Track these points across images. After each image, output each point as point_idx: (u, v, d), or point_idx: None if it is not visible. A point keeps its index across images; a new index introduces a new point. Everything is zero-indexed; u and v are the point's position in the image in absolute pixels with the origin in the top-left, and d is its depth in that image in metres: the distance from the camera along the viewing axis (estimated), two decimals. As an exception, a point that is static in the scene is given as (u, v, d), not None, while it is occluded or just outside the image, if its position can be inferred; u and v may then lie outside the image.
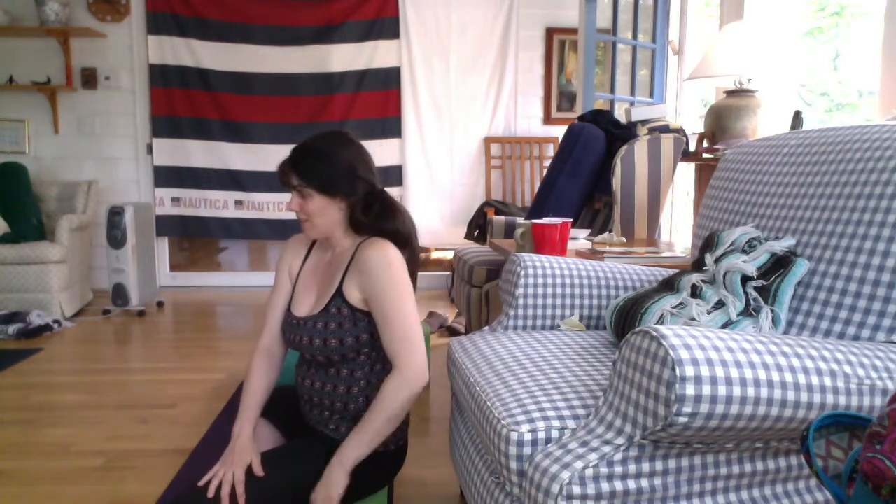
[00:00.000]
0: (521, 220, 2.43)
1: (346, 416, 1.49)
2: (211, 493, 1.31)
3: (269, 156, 4.62)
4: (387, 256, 1.42)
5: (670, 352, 0.85)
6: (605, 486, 0.91)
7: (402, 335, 1.39)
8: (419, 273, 1.61)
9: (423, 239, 4.83)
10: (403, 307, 1.41)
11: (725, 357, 0.86)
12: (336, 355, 1.46)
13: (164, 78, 4.53)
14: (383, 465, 1.53)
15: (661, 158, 2.84)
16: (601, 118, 3.13)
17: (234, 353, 3.20)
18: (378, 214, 1.49)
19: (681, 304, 1.33)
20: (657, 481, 0.93)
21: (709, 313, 1.27)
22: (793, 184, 1.38)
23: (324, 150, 1.48)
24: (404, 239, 1.50)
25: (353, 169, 1.47)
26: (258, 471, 1.37)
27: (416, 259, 1.53)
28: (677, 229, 4.16)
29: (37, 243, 3.77)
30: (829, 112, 4.56)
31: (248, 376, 1.58)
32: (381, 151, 4.70)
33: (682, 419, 0.84)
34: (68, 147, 4.59)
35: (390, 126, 4.69)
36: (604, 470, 0.91)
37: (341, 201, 1.48)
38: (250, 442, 1.45)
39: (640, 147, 2.80)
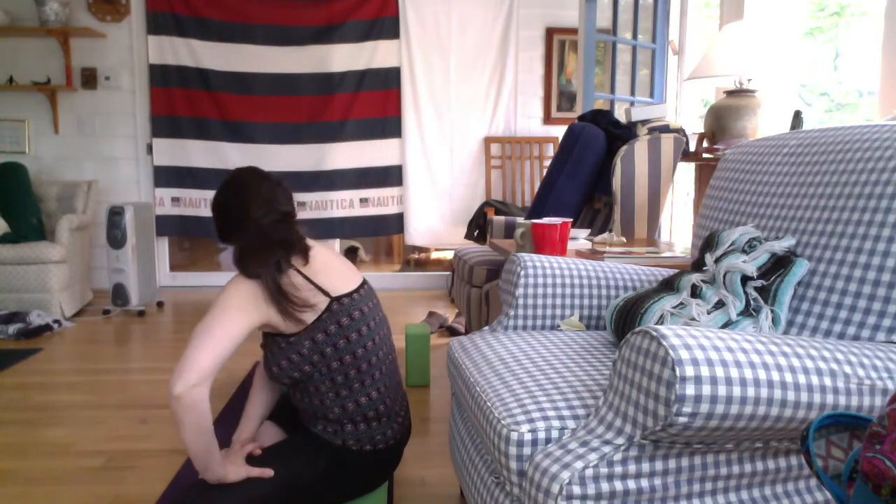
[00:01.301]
0: (521, 220, 2.42)
1: (330, 422, 1.53)
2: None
3: (270, 156, 4.62)
4: (227, 286, 1.44)
5: (670, 352, 0.85)
6: (605, 486, 0.91)
7: (191, 345, 1.36)
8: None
9: (423, 239, 4.83)
10: (207, 324, 1.38)
11: (725, 357, 0.86)
12: (286, 378, 1.50)
13: (164, 78, 4.53)
14: (361, 465, 1.55)
15: (661, 158, 2.84)
16: (601, 118, 3.13)
17: (233, 353, 3.20)
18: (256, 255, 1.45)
19: (681, 304, 1.33)
20: (657, 481, 0.93)
21: (709, 313, 1.27)
22: (793, 184, 1.38)
23: (218, 203, 1.53)
24: (254, 277, 1.43)
25: (239, 217, 1.49)
26: (257, 452, 1.48)
27: (277, 297, 1.43)
28: (677, 229, 4.15)
29: (37, 243, 3.77)
30: (829, 112, 4.56)
31: (252, 387, 1.68)
32: (381, 151, 4.70)
33: (682, 419, 0.84)
34: (68, 147, 4.59)
35: (390, 126, 4.68)
36: (604, 470, 0.91)
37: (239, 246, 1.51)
38: (248, 442, 1.57)
39: (640, 147, 2.80)
